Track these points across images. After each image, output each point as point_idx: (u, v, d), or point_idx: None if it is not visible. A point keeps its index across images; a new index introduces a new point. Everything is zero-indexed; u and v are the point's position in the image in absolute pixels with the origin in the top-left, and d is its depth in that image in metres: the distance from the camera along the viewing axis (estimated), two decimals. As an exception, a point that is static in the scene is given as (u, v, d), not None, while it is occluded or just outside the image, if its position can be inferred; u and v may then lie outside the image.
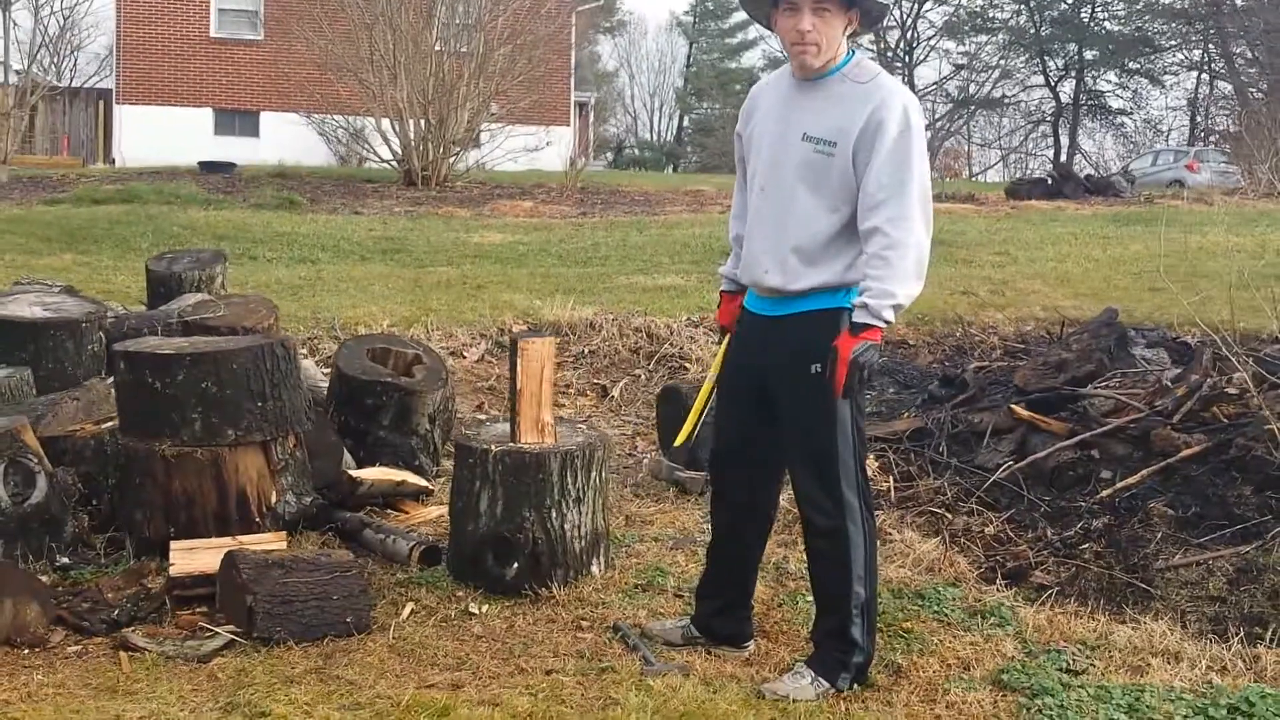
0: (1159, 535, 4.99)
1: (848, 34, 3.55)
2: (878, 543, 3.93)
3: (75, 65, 25.46)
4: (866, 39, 51.27)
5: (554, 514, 4.36)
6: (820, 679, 3.61)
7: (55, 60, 24.18)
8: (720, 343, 4.00)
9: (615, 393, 7.88)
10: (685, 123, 61.02)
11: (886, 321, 3.44)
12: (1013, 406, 6.23)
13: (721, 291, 3.98)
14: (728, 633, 3.94)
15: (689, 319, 9.07)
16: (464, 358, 8.26)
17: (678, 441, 4.11)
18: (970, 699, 3.61)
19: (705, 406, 4.00)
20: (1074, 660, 3.91)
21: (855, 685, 3.64)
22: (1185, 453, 5.51)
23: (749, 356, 3.74)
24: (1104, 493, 5.41)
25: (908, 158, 3.44)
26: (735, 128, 3.91)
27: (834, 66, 3.55)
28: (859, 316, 3.43)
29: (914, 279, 3.46)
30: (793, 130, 3.57)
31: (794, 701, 3.53)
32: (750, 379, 3.72)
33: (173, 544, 4.34)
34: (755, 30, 56.72)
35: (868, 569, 3.64)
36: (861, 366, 3.42)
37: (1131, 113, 49.64)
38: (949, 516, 5.42)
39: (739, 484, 3.84)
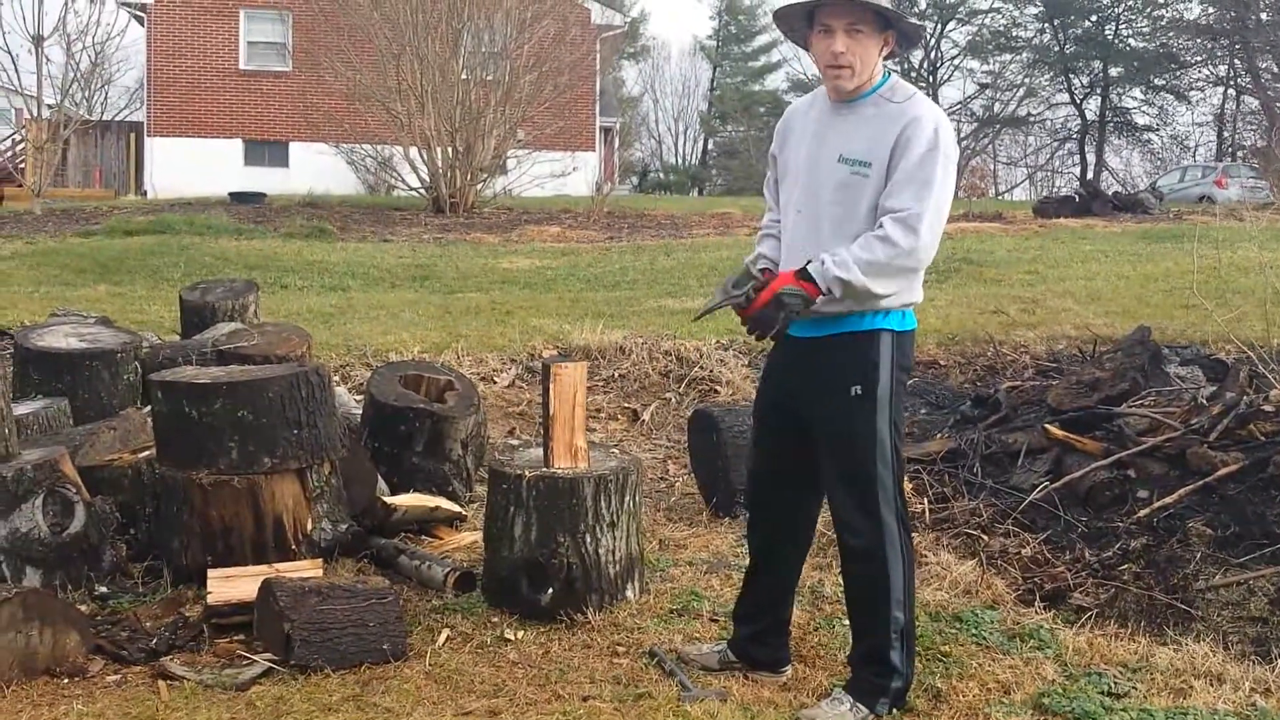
0: (1198, 555, 4.94)
1: (884, 56, 3.55)
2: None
3: (106, 99, 25.69)
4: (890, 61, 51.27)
5: (588, 539, 4.36)
6: (859, 705, 3.57)
7: (87, 94, 24.39)
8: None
9: (646, 416, 7.87)
10: (709, 146, 61.17)
11: (826, 290, 3.39)
12: (1047, 426, 6.20)
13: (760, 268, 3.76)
14: (765, 658, 3.92)
15: (718, 342, 9.06)
16: (495, 383, 8.29)
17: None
18: (1011, 722, 3.58)
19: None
20: (1115, 683, 3.88)
21: (894, 711, 3.61)
22: (1222, 471, 5.46)
23: (786, 379, 3.72)
24: (1141, 513, 5.36)
25: (930, 177, 3.43)
26: (769, 148, 3.90)
27: (869, 89, 3.55)
28: (812, 267, 3.41)
29: (880, 279, 3.41)
30: (827, 152, 3.56)
31: None
32: (788, 402, 3.71)
33: (210, 572, 4.36)
34: (779, 53, 56.94)
35: (906, 592, 3.60)
36: (782, 306, 3.38)
37: (1158, 129, 49.45)
38: (985, 538, 5.38)
39: (776, 507, 3.83)
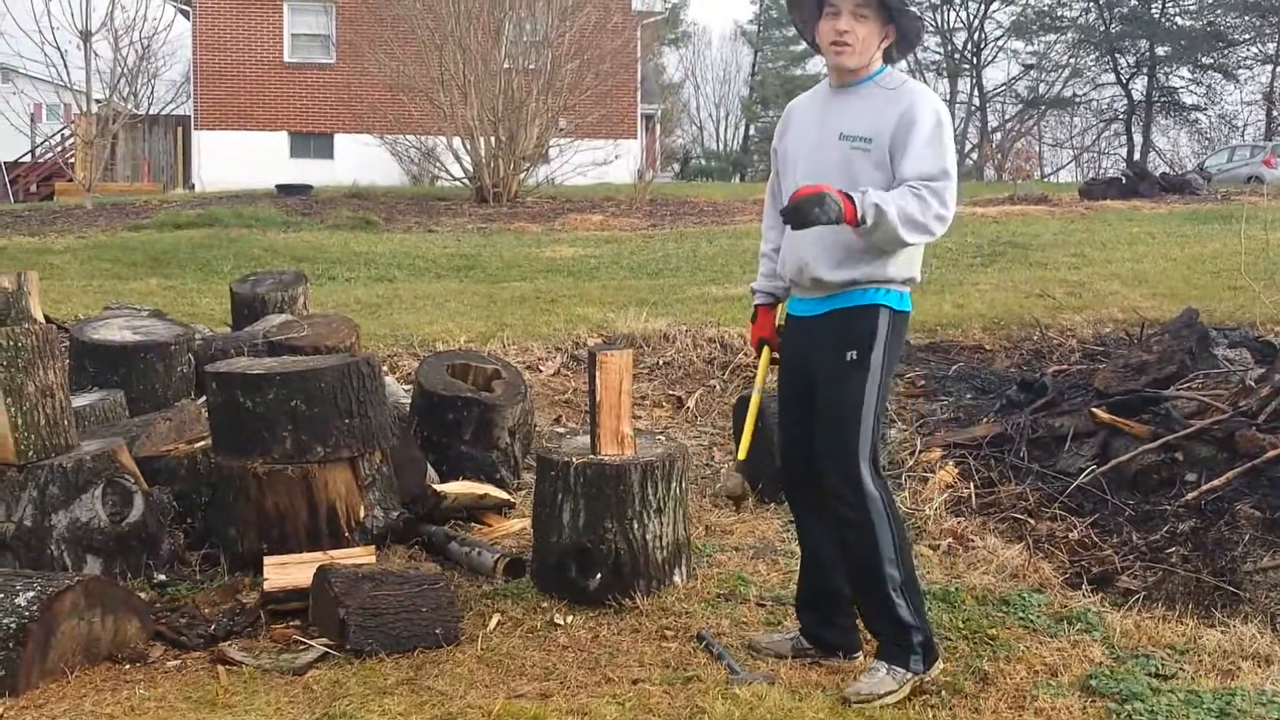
0: (1246, 537, 4.92)
1: (882, 47, 3.70)
2: (905, 528, 3.95)
3: (153, 93, 26.02)
4: (934, 41, 50.92)
5: (635, 525, 4.41)
6: (894, 668, 3.66)
7: (134, 89, 24.70)
8: (758, 357, 4.12)
9: (690, 404, 7.91)
10: (751, 131, 60.97)
11: (861, 218, 3.46)
12: (1094, 410, 6.18)
13: (756, 305, 4.09)
14: (837, 640, 3.96)
15: (762, 328, 9.06)
16: (540, 371, 8.35)
17: (740, 457, 4.15)
18: (1059, 705, 3.59)
19: (756, 421, 4.06)
20: (1163, 665, 3.88)
21: (927, 665, 3.69)
22: (1271, 453, 5.43)
23: (798, 359, 3.86)
24: (1189, 495, 5.34)
25: (941, 148, 3.59)
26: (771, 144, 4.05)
27: (867, 75, 3.71)
28: (856, 196, 3.47)
29: (908, 228, 3.50)
30: (829, 133, 3.71)
31: (879, 698, 3.58)
32: (802, 380, 3.83)
33: (266, 559, 4.44)
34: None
35: (899, 550, 3.69)
36: (816, 203, 3.42)
37: (1205, 108, 48.82)
38: (1031, 522, 5.39)
39: (810, 494, 3.89)
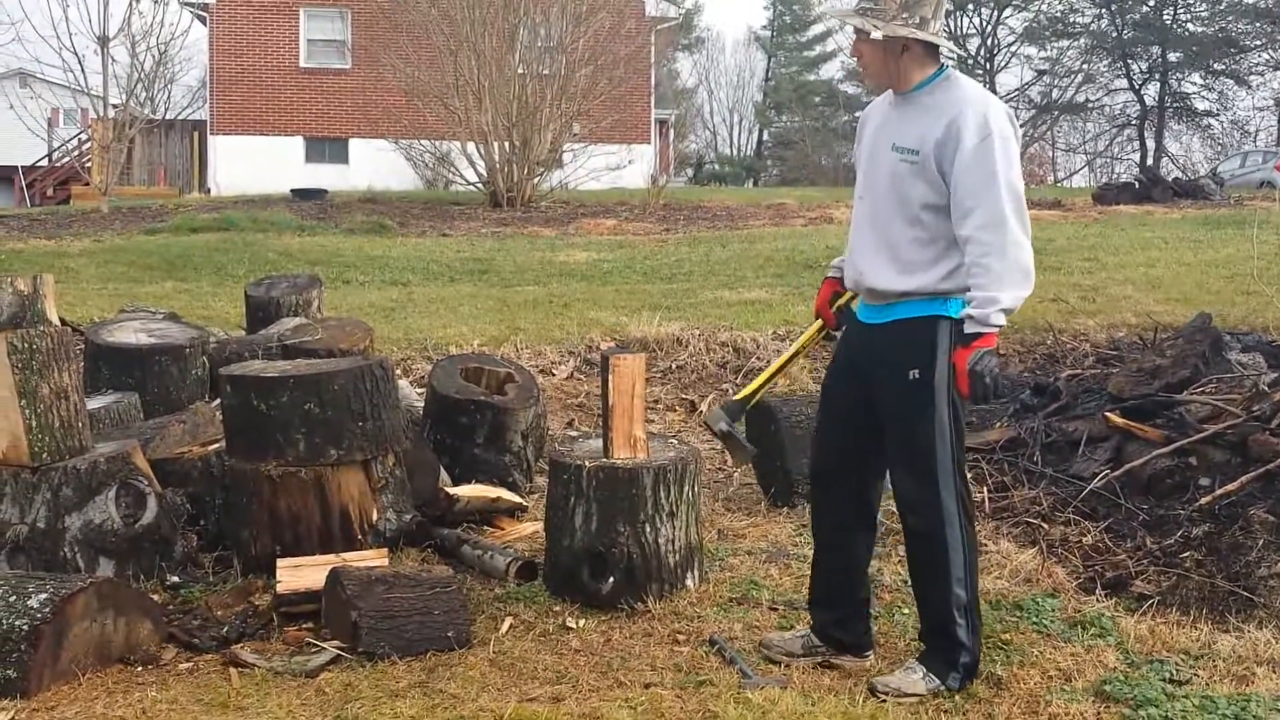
0: (1261, 542, 4.89)
1: (909, 58, 3.65)
2: (977, 551, 3.94)
3: (170, 98, 26.09)
4: (946, 47, 50.85)
5: (648, 528, 4.41)
6: (932, 675, 3.69)
7: (151, 94, 24.77)
8: (813, 324, 4.10)
9: (703, 407, 7.90)
10: (765, 136, 60.89)
11: (995, 326, 3.50)
12: (1107, 414, 6.16)
13: (826, 277, 4.07)
14: (850, 641, 3.96)
15: (775, 333, 9.07)
16: (553, 375, 8.35)
17: (739, 396, 4.15)
18: (1073, 710, 3.58)
19: (774, 374, 4.07)
20: (1177, 670, 3.87)
21: (965, 684, 3.70)
22: (1287, 459, 5.40)
23: (851, 363, 3.85)
24: (1203, 500, 5.32)
25: (990, 163, 3.51)
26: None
27: (922, 82, 3.69)
28: (968, 327, 3.52)
29: (1018, 282, 3.52)
30: (883, 142, 3.74)
31: (905, 696, 3.62)
32: (852, 386, 3.83)
33: (279, 562, 4.45)
34: (833, 42, 56.52)
35: (968, 571, 3.69)
36: (982, 374, 3.49)
37: (1218, 114, 48.55)
38: (1045, 527, 5.37)
39: (843, 494, 3.91)
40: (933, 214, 3.61)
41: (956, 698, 3.66)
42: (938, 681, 3.69)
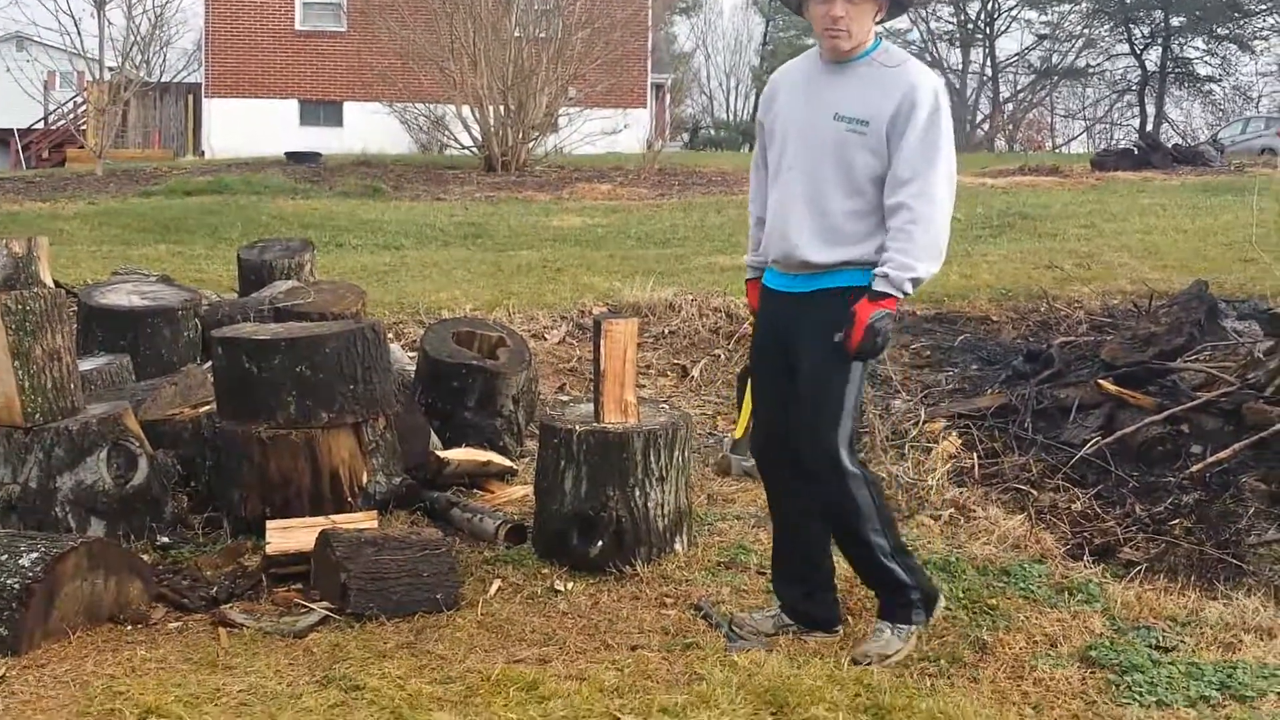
0: (1251, 510, 4.91)
1: (877, 20, 3.63)
2: (884, 495, 3.94)
3: (165, 61, 26.00)
4: (947, 10, 50.60)
5: (637, 493, 4.41)
6: (898, 626, 3.75)
7: (146, 57, 24.65)
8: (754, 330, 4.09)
9: (695, 373, 7.91)
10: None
11: (904, 293, 3.54)
12: (1100, 381, 6.16)
13: (748, 280, 4.06)
14: (821, 615, 3.93)
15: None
16: (545, 340, 8.35)
17: (737, 434, 4.16)
18: (1058, 675, 3.59)
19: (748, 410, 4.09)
20: (1164, 637, 3.87)
21: (929, 613, 3.80)
22: (1278, 426, 5.41)
23: (777, 335, 3.81)
24: (1194, 468, 5.33)
25: (937, 139, 3.53)
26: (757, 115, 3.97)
27: (863, 51, 3.63)
28: (879, 285, 3.52)
29: (935, 256, 3.57)
30: (823, 111, 3.63)
31: (887, 658, 3.65)
32: (781, 358, 3.79)
33: (269, 523, 4.46)
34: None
35: (882, 519, 3.74)
36: (877, 333, 3.53)
37: (1220, 80, 48.37)
38: (1035, 493, 5.38)
39: (785, 466, 3.86)
40: (874, 187, 3.59)
41: (942, 661, 3.67)
42: (906, 628, 3.74)
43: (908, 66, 3.61)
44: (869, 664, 3.63)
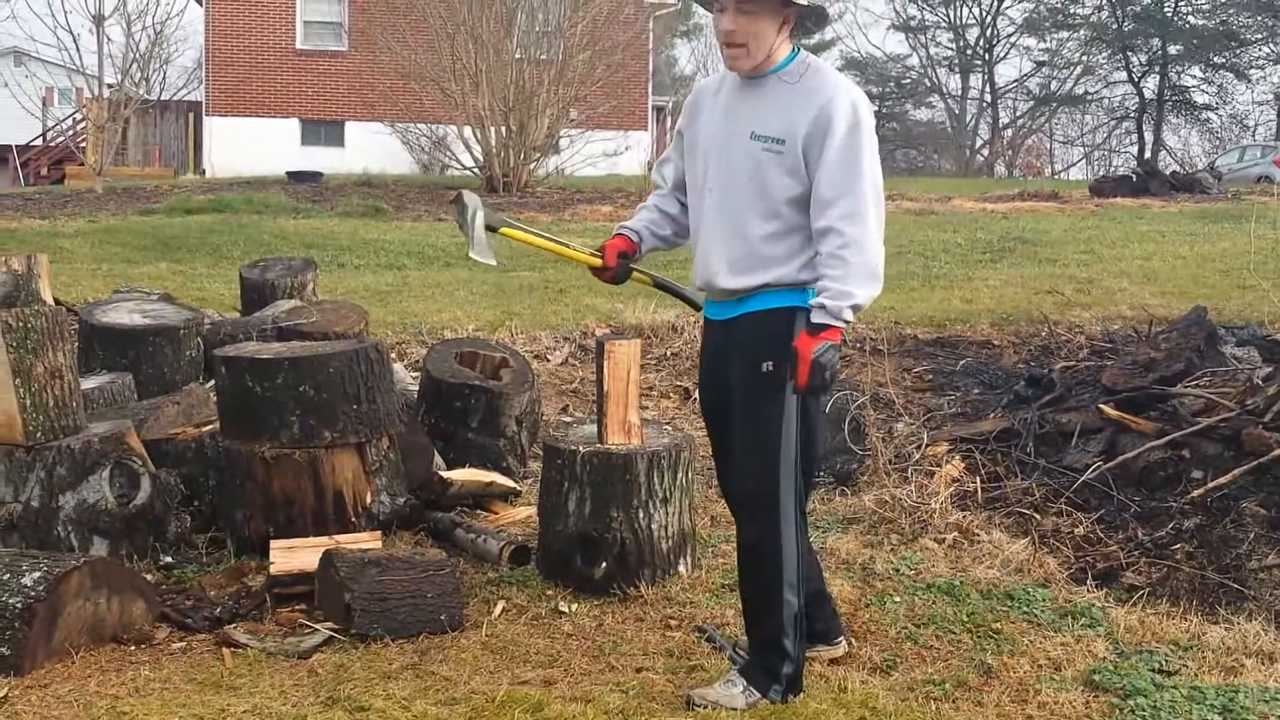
0: (1252, 535, 4.91)
1: (787, 33, 3.45)
2: (812, 553, 3.82)
3: (165, 78, 26.10)
4: (946, 36, 50.82)
5: (641, 514, 4.42)
6: (752, 689, 3.52)
7: (146, 74, 24.72)
8: (598, 253, 3.88)
9: (698, 394, 7.90)
10: (762, 125, 60.66)
11: (845, 322, 3.36)
12: (1101, 406, 6.17)
13: (618, 233, 3.86)
14: (819, 629, 3.88)
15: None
16: (548, 361, 8.36)
17: (511, 231, 4.12)
18: (1062, 699, 3.60)
19: (543, 243, 4.05)
20: (1166, 661, 3.88)
21: (787, 697, 3.54)
22: (1277, 452, 5.42)
23: (712, 367, 3.68)
24: (1195, 493, 5.33)
25: (858, 155, 3.35)
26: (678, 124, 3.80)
27: (777, 65, 3.46)
28: (817, 317, 3.35)
29: (872, 279, 3.37)
30: (740, 130, 3.48)
31: (722, 709, 3.46)
32: (718, 390, 3.65)
33: (272, 543, 4.46)
34: (832, 30, 56.28)
35: (800, 577, 3.54)
36: (824, 367, 3.33)
37: (1217, 108, 48.66)
38: (1037, 517, 5.38)
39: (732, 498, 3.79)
40: (794, 208, 3.42)
41: (946, 685, 3.67)
42: (757, 695, 3.50)
43: (825, 79, 3.41)
44: (702, 706, 3.46)
